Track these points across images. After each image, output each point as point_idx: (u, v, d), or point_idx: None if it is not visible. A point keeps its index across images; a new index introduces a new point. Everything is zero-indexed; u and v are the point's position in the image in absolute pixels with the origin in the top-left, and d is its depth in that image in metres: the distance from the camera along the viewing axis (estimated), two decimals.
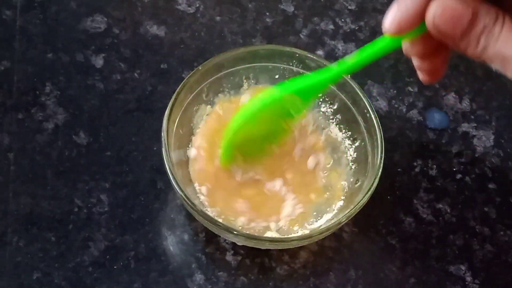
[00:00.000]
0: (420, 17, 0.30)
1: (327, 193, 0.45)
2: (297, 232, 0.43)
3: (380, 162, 0.42)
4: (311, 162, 0.45)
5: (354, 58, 0.36)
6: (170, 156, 0.40)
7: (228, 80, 0.46)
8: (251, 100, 0.44)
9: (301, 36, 0.55)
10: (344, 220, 0.40)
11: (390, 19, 0.31)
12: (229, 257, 0.44)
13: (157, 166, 0.47)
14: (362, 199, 0.41)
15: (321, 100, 0.47)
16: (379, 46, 0.35)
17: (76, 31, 0.53)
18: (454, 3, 0.29)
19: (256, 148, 0.44)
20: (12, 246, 0.43)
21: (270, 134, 0.44)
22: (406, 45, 0.35)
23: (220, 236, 0.44)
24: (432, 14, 0.30)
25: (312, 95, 0.41)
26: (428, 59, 0.36)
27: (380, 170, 0.41)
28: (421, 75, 0.37)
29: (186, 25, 0.54)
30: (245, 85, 0.47)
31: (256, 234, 0.42)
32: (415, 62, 0.37)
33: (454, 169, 0.50)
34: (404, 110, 0.52)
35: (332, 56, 0.54)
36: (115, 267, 0.43)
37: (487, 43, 0.30)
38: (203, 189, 0.44)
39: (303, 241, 0.41)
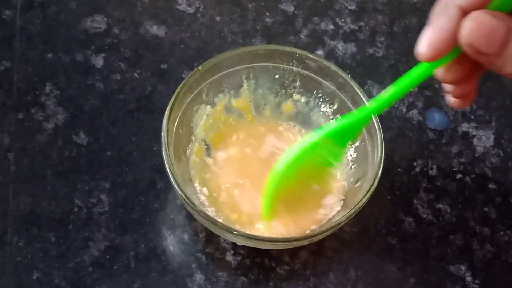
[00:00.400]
0: (456, 41, 0.29)
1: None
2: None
3: (380, 162, 0.42)
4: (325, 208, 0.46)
5: (389, 92, 0.36)
6: (170, 156, 0.40)
7: (228, 80, 0.46)
8: (290, 148, 0.43)
9: (301, 36, 0.55)
10: (344, 220, 0.40)
11: (426, 43, 0.29)
12: (229, 257, 0.44)
13: (157, 166, 0.47)
14: (362, 199, 0.41)
15: (321, 100, 0.47)
16: (415, 75, 0.33)
17: (76, 31, 0.53)
18: (488, 18, 0.28)
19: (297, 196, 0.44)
20: (12, 246, 0.43)
21: (310, 180, 0.44)
22: (440, 71, 0.34)
23: (220, 236, 0.44)
24: (466, 30, 0.28)
25: (348, 138, 0.41)
26: (462, 84, 0.34)
27: (380, 170, 0.41)
28: (451, 100, 0.36)
29: (186, 25, 0.54)
30: (245, 85, 0.47)
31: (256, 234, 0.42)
32: (447, 88, 0.35)
33: (454, 169, 0.50)
34: (404, 110, 0.52)
35: (332, 56, 0.54)
36: (115, 267, 0.43)
37: None
38: (205, 190, 0.44)
39: (303, 241, 0.41)
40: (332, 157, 0.42)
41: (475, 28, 0.28)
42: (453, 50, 0.30)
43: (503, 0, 0.29)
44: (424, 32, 0.30)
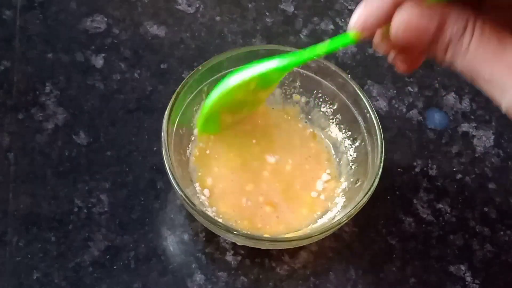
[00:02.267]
0: (385, 21, 0.29)
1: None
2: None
3: (380, 162, 0.42)
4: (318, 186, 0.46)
5: (322, 47, 0.36)
6: (170, 156, 0.40)
7: None
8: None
9: (301, 36, 0.55)
10: (344, 220, 0.40)
11: (355, 19, 0.30)
12: (229, 257, 0.44)
13: (157, 166, 0.47)
14: (362, 199, 0.41)
15: (321, 100, 0.47)
16: (343, 41, 0.34)
17: (76, 31, 0.53)
18: (419, 15, 0.28)
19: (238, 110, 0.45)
20: (12, 246, 0.43)
21: (246, 103, 0.44)
22: (376, 40, 0.33)
23: (220, 236, 0.44)
24: (396, 26, 0.28)
25: (281, 76, 0.42)
26: (403, 53, 0.34)
27: (380, 170, 0.41)
28: (397, 64, 0.35)
29: (186, 25, 0.54)
30: None
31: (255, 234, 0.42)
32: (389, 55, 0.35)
33: (454, 169, 0.50)
34: (404, 110, 0.52)
35: (332, 56, 0.54)
36: (115, 267, 0.43)
37: (455, 55, 0.28)
38: (206, 192, 0.44)
39: (303, 241, 0.41)
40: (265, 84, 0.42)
41: (405, 25, 0.28)
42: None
43: None
44: (358, 6, 0.30)
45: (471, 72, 0.28)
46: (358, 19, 0.30)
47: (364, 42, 0.55)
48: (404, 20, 0.28)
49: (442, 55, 0.29)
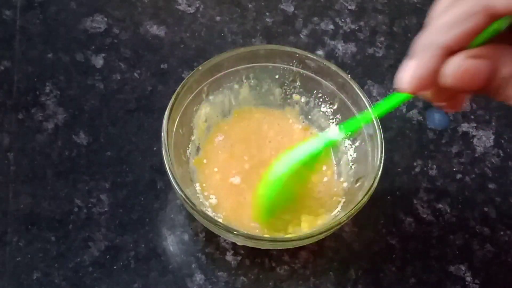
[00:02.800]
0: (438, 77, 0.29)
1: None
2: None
3: (380, 162, 0.42)
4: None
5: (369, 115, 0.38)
6: (170, 156, 0.40)
7: (228, 80, 0.46)
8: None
9: (301, 36, 0.55)
10: (344, 220, 0.40)
11: (408, 78, 0.29)
12: (229, 257, 0.44)
13: (157, 166, 0.47)
14: (362, 199, 0.41)
15: (321, 100, 0.47)
16: (393, 102, 0.35)
17: (76, 31, 0.53)
18: (469, 62, 0.27)
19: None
20: (12, 246, 0.43)
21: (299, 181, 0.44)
22: (428, 97, 0.33)
23: (220, 236, 0.44)
24: (448, 76, 0.28)
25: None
26: (448, 100, 0.34)
27: (380, 170, 0.41)
28: (445, 108, 0.35)
29: (186, 25, 0.54)
30: (245, 85, 0.47)
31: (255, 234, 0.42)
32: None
33: (454, 169, 0.50)
34: (404, 110, 0.52)
35: (332, 56, 0.54)
36: (115, 267, 0.43)
37: (509, 94, 0.28)
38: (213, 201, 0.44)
39: (303, 241, 0.41)
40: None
41: (457, 74, 0.28)
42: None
43: (486, 33, 0.28)
44: (407, 65, 0.29)
45: None
46: (411, 79, 0.29)
47: (364, 42, 0.56)
48: (455, 66, 0.28)
49: (496, 94, 0.28)
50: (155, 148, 0.47)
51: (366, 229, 0.46)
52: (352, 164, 0.46)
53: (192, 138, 0.46)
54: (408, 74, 0.29)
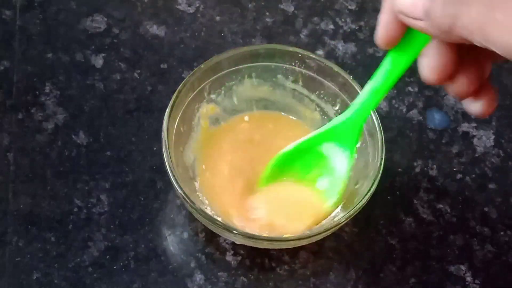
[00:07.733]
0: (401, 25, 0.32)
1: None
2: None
3: (380, 163, 0.42)
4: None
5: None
6: (170, 155, 0.40)
7: (230, 79, 0.46)
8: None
9: (301, 36, 0.55)
10: (343, 220, 0.40)
11: (378, 34, 0.33)
12: (229, 257, 0.44)
13: (157, 166, 0.47)
14: (361, 200, 0.41)
15: (323, 100, 0.47)
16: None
17: (76, 31, 0.53)
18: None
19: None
20: (12, 246, 0.43)
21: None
22: (447, 87, 0.34)
23: (220, 236, 0.44)
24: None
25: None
26: (476, 97, 0.35)
27: (380, 171, 0.41)
28: (472, 109, 0.36)
29: (186, 25, 0.54)
30: (247, 84, 0.47)
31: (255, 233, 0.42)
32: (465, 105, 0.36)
33: (454, 169, 0.50)
34: (404, 110, 0.52)
35: (332, 56, 0.54)
36: (115, 267, 0.43)
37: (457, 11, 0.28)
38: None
39: (303, 241, 0.41)
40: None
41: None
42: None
43: None
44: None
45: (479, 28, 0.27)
46: (380, 35, 0.33)
47: (364, 42, 0.56)
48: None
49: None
50: (155, 148, 0.47)
51: (366, 229, 0.46)
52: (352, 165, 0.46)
53: (193, 136, 0.46)
54: (377, 32, 0.33)
